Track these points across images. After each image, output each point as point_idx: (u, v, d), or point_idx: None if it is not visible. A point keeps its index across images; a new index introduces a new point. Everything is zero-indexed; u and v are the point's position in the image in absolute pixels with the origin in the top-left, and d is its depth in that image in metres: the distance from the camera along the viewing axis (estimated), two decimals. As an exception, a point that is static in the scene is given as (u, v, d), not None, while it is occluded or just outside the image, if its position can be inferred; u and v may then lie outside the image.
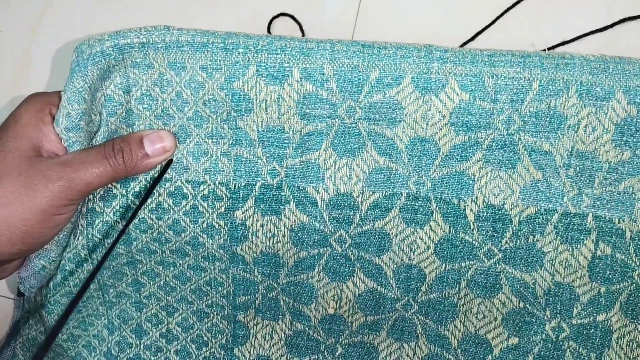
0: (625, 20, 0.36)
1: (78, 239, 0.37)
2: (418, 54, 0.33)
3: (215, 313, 0.41)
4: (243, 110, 0.35)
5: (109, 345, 0.43)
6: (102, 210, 0.37)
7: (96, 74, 0.32)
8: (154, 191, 0.37)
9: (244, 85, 0.34)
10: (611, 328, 0.36)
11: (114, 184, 0.37)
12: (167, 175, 0.37)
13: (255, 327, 0.41)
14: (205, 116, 0.35)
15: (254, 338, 0.41)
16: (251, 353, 0.41)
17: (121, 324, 0.42)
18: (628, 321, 0.36)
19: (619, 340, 0.36)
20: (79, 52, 0.33)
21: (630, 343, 0.36)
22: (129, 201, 0.37)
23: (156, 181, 0.36)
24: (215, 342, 0.42)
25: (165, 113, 0.35)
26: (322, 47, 0.34)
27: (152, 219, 0.38)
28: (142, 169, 0.35)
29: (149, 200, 0.37)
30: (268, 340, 0.41)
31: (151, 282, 0.41)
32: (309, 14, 0.40)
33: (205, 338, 0.42)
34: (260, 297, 0.40)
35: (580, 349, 0.37)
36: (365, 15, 0.39)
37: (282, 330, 0.41)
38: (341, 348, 0.40)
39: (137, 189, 0.37)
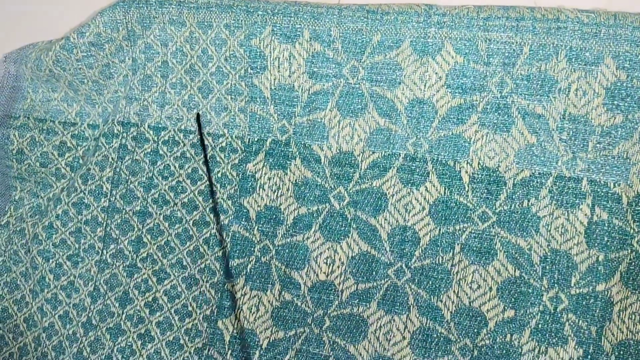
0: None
1: (105, 170, 0.42)
2: (417, 18, 0.37)
3: (205, 280, 0.41)
4: (258, 67, 0.40)
5: (90, 314, 0.43)
6: (133, 150, 0.42)
7: (136, 15, 0.39)
8: (179, 141, 0.42)
9: (260, 43, 0.39)
10: (612, 299, 0.34)
11: (146, 127, 0.42)
12: (191, 128, 0.41)
13: (242, 297, 0.41)
14: (226, 72, 0.40)
15: (239, 310, 0.41)
16: (235, 326, 0.41)
17: (107, 291, 0.43)
18: (630, 292, 0.34)
19: (621, 313, 0.34)
20: None
21: (633, 316, 0.34)
22: (158, 147, 0.42)
23: (201, 137, 0.40)
24: (200, 313, 0.41)
25: (192, 69, 0.41)
26: (330, 12, 0.38)
27: (174, 167, 0.42)
28: None
29: (175, 149, 0.42)
30: (254, 312, 0.40)
31: (152, 242, 0.42)
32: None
33: (190, 308, 0.42)
34: (254, 260, 0.41)
35: (580, 321, 0.35)
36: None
37: (269, 301, 0.40)
38: (329, 321, 0.39)
39: (166, 137, 0.42)
